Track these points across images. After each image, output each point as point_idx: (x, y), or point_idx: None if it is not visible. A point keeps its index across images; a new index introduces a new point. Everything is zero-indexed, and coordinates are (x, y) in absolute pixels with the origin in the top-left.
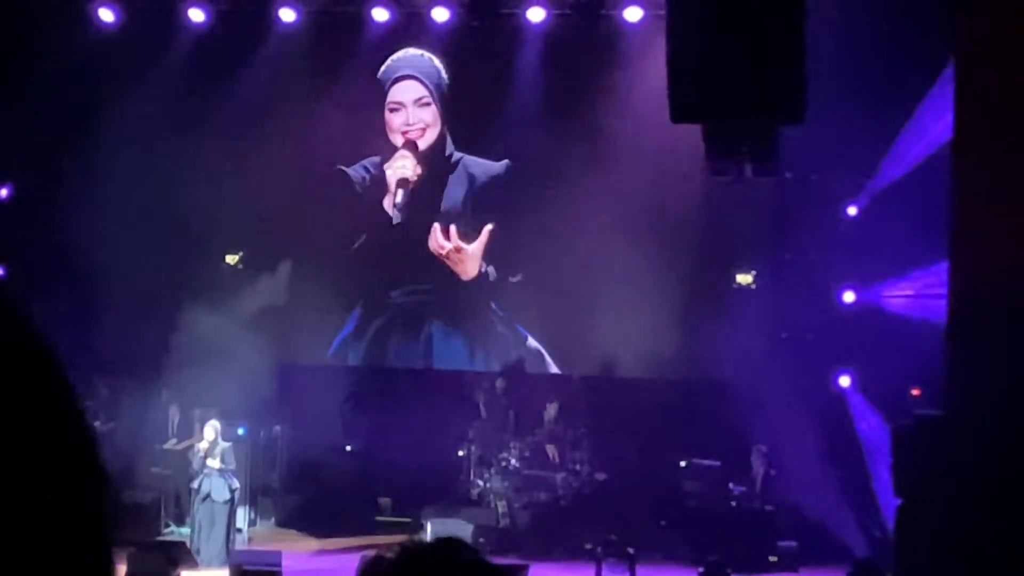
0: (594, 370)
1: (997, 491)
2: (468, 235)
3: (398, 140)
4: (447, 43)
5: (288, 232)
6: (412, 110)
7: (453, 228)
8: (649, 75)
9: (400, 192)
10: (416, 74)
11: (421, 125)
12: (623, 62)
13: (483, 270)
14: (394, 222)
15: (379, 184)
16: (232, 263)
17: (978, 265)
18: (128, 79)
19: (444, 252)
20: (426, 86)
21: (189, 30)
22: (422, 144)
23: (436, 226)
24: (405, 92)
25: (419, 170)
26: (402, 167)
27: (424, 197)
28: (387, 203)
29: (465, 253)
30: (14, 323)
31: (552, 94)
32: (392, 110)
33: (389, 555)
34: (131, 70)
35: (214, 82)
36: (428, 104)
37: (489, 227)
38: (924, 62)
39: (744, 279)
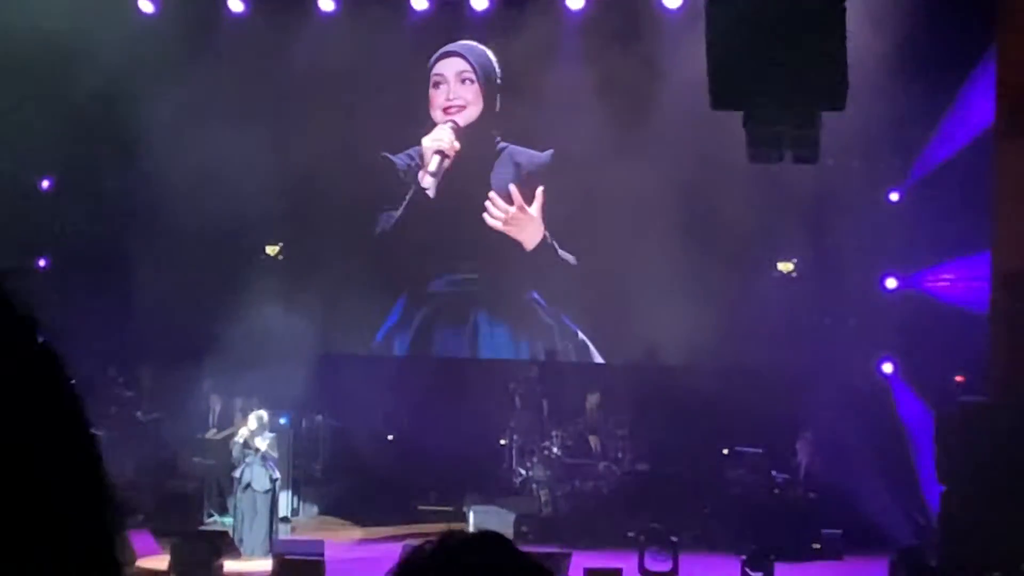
0: (637, 358)
1: None
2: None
3: (439, 116)
4: (487, 31)
5: (330, 221)
6: (454, 85)
7: (514, 188)
8: (689, 62)
9: (435, 159)
10: (461, 51)
11: (461, 102)
12: (663, 49)
13: (546, 238)
14: (429, 192)
15: (416, 176)
16: (272, 254)
17: (1020, 252)
18: (167, 68)
19: (507, 217)
20: (470, 63)
21: (228, 19)
22: (462, 121)
23: (492, 195)
24: (448, 67)
25: (456, 145)
26: (439, 139)
27: (469, 179)
28: (423, 178)
29: (528, 215)
30: (13, 325)
31: (593, 82)
32: (435, 84)
33: (428, 547)
34: (170, 59)
35: (254, 71)
36: (471, 82)
37: (541, 188)
38: (965, 47)
39: (785, 267)
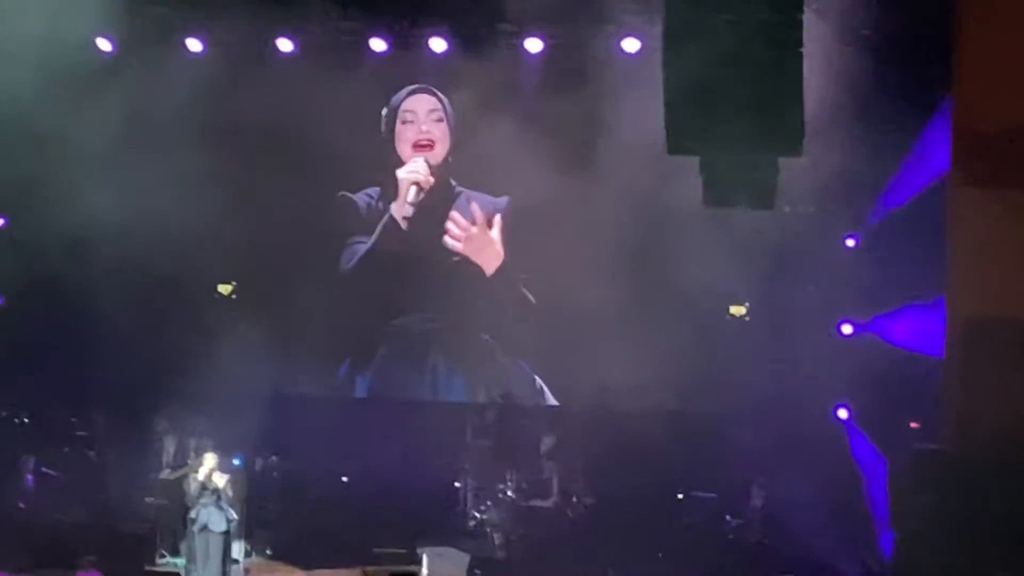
0: (591, 402)
1: (992, 525)
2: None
3: (405, 150)
4: (445, 73)
5: (286, 260)
6: (425, 122)
7: (475, 207)
8: (646, 106)
9: (413, 190)
10: (430, 90)
11: (431, 138)
12: (620, 93)
13: (506, 266)
14: (403, 222)
15: (382, 212)
16: (225, 293)
17: (975, 298)
18: (123, 105)
19: (467, 235)
20: (440, 101)
21: (186, 57)
22: (431, 159)
23: (453, 214)
24: (419, 103)
25: (431, 179)
26: (415, 171)
27: (430, 222)
28: (396, 208)
29: (487, 235)
30: None
31: (548, 126)
32: (404, 122)
33: None
34: (126, 96)
35: (213, 110)
36: (440, 120)
37: (499, 215)
38: (923, 95)
39: (738, 310)
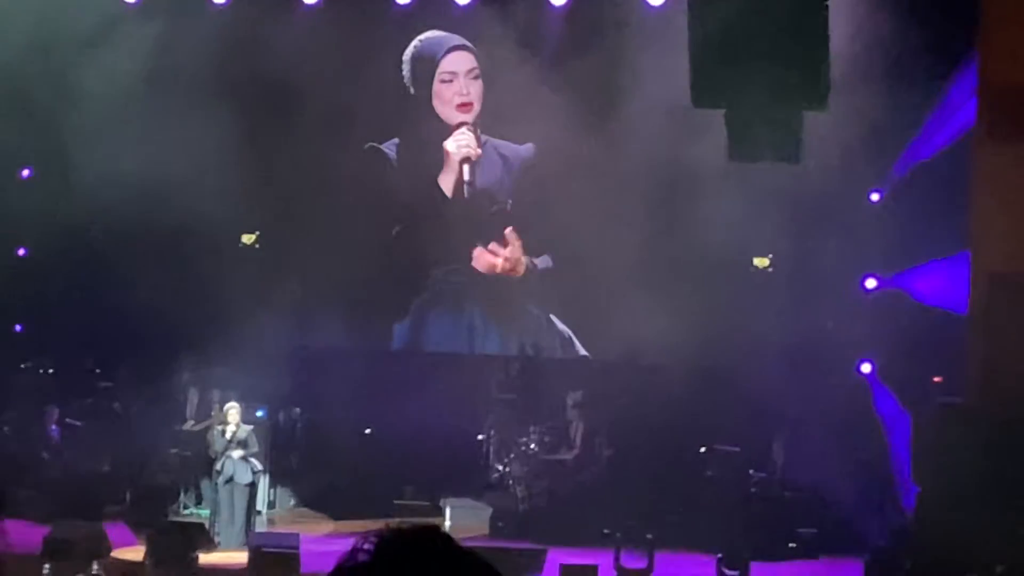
0: (618, 356)
1: (1016, 479)
2: (505, 218)
3: (447, 111)
4: (469, 25)
5: (314, 211)
6: (464, 81)
7: (511, 232)
8: (671, 59)
9: (466, 169)
10: (468, 46)
11: (471, 99)
12: (646, 45)
13: (530, 266)
14: (449, 192)
15: (412, 163)
16: (248, 243)
17: (999, 253)
18: (148, 58)
19: (501, 266)
20: (477, 59)
21: (210, 9)
22: (469, 117)
23: (479, 251)
24: (458, 63)
25: (479, 151)
26: (466, 145)
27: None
28: (444, 181)
29: (519, 253)
30: None
31: (573, 77)
32: (443, 81)
33: (366, 546)
34: (151, 49)
35: (237, 62)
36: (477, 78)
37: (510, 228)
38: (948, 49)
39: (761, 262)
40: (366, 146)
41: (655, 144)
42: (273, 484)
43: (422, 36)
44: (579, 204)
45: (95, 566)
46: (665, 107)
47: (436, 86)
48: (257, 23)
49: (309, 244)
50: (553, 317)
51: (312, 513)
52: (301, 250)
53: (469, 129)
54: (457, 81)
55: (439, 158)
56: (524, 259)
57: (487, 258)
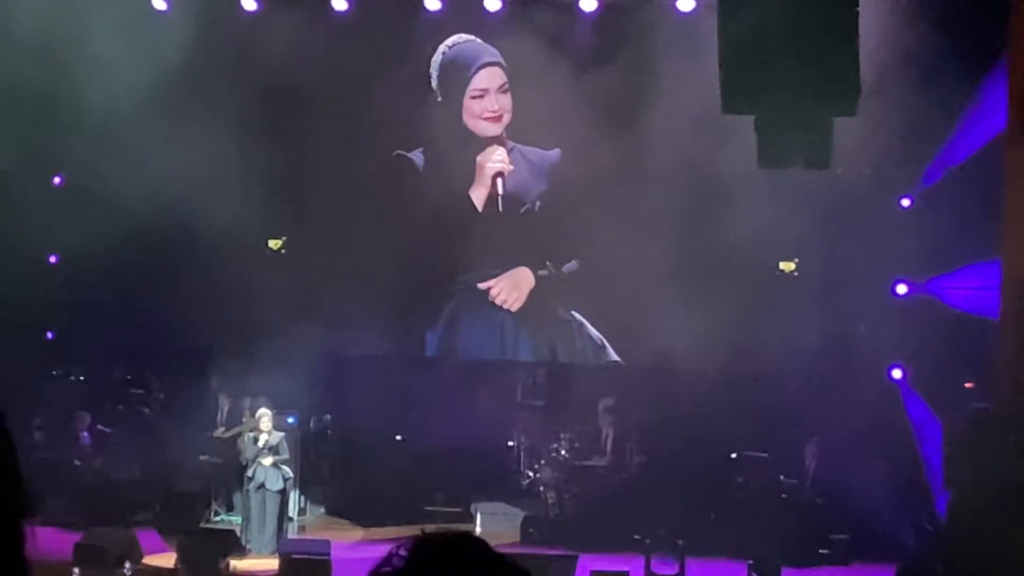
0: (648, 361)
1: None
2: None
3: (476, 124)
4: (499, 31)
5: (342, 218)
6: (495, 96)
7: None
8: (701, 64)
9: (499, 183)
10: (499, 61)
11: (501, 111)
12: (675, 51)
13: (553, 271)
14: (479, 205)
15: (438, 169)
16: (275, 248)
17: None
18: (171, 66)
19: (503, 289)
20: (506, 73)
21: (240, 16)
22: (499, 129)
23: (490, 286)
24: (490, 79)
25: (511, 166)
26: (499, 160)
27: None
28: (475, 194)
29: (511, 278)
30: None
31: (602, 83)
32: (474, 97)
33: (401, 552)
34: (179, 55)
35: (267, 69)
36: (507, 92)
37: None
38: (978, 54)
39: (788, 266)
40: (393, 154)
41: (684, 150)
42: (304, 491)
43: (450, 42)
44: (607, 208)
45: (127, 566)
46: (694, 112)
47: (466, 101)
48: (288, 30)
49: (337, 251)
50: (585, 322)
51: (343, 519)
52: (329, 257)
53: (501, 144)
54: (488, 97)
55: (467, 166)
56: (530, 276)
57: (500, 294)
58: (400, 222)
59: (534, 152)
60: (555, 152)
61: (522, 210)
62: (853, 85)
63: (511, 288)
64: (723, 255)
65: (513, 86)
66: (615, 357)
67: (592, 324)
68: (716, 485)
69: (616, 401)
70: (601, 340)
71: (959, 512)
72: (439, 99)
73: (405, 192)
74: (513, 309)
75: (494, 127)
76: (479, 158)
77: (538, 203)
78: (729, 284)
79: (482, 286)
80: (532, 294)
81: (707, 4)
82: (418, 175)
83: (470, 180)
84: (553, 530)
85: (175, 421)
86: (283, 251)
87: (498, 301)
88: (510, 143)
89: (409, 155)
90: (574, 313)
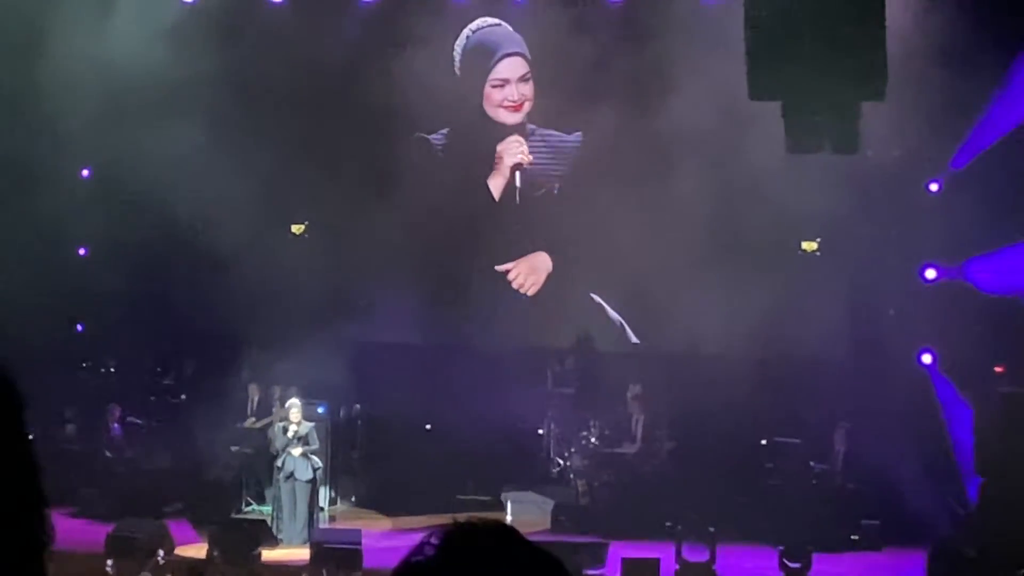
0: (675, 347)
1: None
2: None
3: (496, 112)
4: (524, 16)
5: (365, 202)
6: (515, 85)
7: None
8: (727, 51)
9: (518, 175)
10: (521, 51)
11: (521, 100)
12: (700, 38)
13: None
14: (496, 194)
15: (457, 153)
16: (297, 233)
17: None
18: (198, 56)
19: (519, 274)
20: (528, 62)
21: (266, 7)
22: (519, 117)
23: (508, 269)
24: (512, 69)
25: (530, 156)
26: (519, 152)
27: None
28: (494, 184)
29: (534, 259)
30: None
31: (627, 66)
32: (495, 86)
33: (433, 540)
34: (208, 46)
35: (292, 57)
36: (528, 80)
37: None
38: (1006, 37)
39: (809, 246)
40: (415, 136)
41: (709, 135)
42: (334, 480)
43: (474, 26)
44: (628, 192)
45: (160, 556)
46: (720, 98)
47: (487, 89)
48: (313, 19)
49: (362, 236)
50: (605, 305)
51: (373, 509)
52: (353, 241)
53: (520, 131)
54: (509, 86)
55: (486, 151)
56: (547, 259)
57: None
58: (421, 207)
59: (554, 135)
60: (576, 135)
61: (541, 192)
62: (881, 69)
63: (528, 272)
64: (752, 240)
65: (537, 69)
66: (635, 340)
67: (612, 308)
68: (746, 471)
69: (645, 388)
70: (621, 323)
71: (991, 496)
72: (461, 83)
73: (424, 176)
74: (530, 293)
75: (514, 115)
76: (499, 147)
77: (557, 186)
78: (758, 270)
79: (500, 268)
80: (550, 277)
81: None
82: (437, 158)
83: (490, 166)
84: (583, 518)
85: (205, 412)
86: (306, 235)
87: (515, 285)
88: (530, 126)
89: (429, 137)
90: (593, 296)
